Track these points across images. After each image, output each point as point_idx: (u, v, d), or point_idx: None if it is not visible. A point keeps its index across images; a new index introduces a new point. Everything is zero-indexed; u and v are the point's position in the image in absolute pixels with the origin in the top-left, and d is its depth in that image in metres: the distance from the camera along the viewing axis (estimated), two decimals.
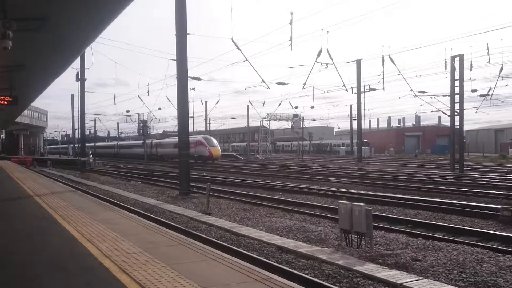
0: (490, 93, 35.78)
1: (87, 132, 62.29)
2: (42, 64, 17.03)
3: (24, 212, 11.09)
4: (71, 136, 74.57)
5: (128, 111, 69.28)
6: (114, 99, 59.23)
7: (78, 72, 37.93)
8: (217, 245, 9.07)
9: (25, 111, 51.09)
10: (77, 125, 53.53)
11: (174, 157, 56.34)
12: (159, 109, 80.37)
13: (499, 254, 8.30)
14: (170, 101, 46.46)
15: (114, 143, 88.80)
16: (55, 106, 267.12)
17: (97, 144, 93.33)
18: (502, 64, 32.41)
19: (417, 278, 6.64)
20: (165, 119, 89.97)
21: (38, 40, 12.99)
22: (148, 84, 52.88)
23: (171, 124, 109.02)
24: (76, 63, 35.45)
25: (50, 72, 19.46)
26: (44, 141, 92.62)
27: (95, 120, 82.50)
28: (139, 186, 24.51)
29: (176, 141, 53.89)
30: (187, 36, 19.53)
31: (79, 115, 40.88)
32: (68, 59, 17.37)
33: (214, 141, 54.59)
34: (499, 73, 32.69)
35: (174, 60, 20.33)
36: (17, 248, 7.02)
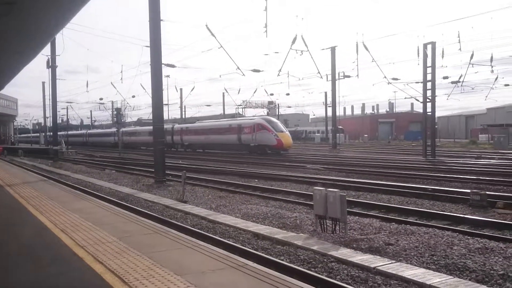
0: (461, 80, 36.58)
1: (59, 121, 61.07)
2: (11, 50, 16.57)
3: None
4: (42, 124, 73.05)
5: (101, 99, 68.04)
6: (87, 86, 57.74)
7: (48, 59, 37.01)
8: (193, 232, 9.07)
9: None
10: (49, 113, 52.27)
11: (204, 146, 48.19)
12: (133, 96, 78.80)
13: (469, 237, 8.54)
14: (144, 88, 45.64)
15: (114, 130, 67.64)
16: (25, 94, 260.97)
17: (90, 131, 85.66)
18: (473, 51, 33.11)
19: (390, 262, 6.78)
20: (140, 107, 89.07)
21: (6, 25, 12.62)
22: (122, 71, 52.16)
23: (146, 112, 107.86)
24: (47, 49, 34.57)
25: (20, 58, 18.95)
26: (15, 130, 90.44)
27: (67, 108, 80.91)
28: (113, 175, 24.22)
29: (209, 127, 46.45)
30: (161, 22, 19.26)
31: (51, 103, 39.96)
32: (38, 45, 16.95)
33: (280, 124, 40.88)
34: (470, 60, 33.35)
35: (148, 46, 20.02)
36: None
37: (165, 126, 54.33)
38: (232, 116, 63.93)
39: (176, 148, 53.44)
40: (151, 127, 57.47)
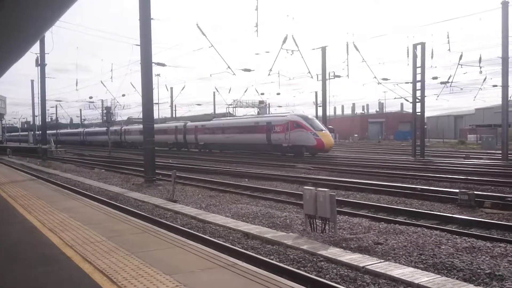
0: (450, 80, 36.79)
1: (48, 119, 60.45)
2: None
3: None
4: (31, 123, 72.25)
5: (91, 98, 67.41)
6: (76, 85, 57.32)
7: (37, 57, 36.72)
8: (183, 232, 9.05)
9: None
10: (38, 111, 51.68)
11: (224, 147, 42.85)
12: (123, 95, 77.81)
13: (456, 237, 8.62)
14: (134, 87, 45.46)
15: (116, 127, 63.55)
16: (13, 92, 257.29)
17: (88, 130, 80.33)
18: (462, 52, 33.39)
19: (378, 261, 6.82)
20: (130, 106, 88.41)
21: None
22: (112, 69, 51.59)
23: (136, 111, 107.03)
24: (35, 47, 34.33)
25: (8, 56, 18.74)
26: (3, 129, 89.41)
27: (56, 107, 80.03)
28: (103, 174, 24.09)
29: (230, 125, 41.66)
30: (151, 21, 19.18)
31: (40, 102, 39.65)
32: (27, 43, 16.74)
33: (318, 122, 36.24)
34: (459, 61, 33.59)
35: (138, 45, 19.92)
36: None
37: (176, 124, 52.42)
38: (223, 115, 62.31)
39: (188, 148, 48.98)
40: (161, 125, 55.02)
